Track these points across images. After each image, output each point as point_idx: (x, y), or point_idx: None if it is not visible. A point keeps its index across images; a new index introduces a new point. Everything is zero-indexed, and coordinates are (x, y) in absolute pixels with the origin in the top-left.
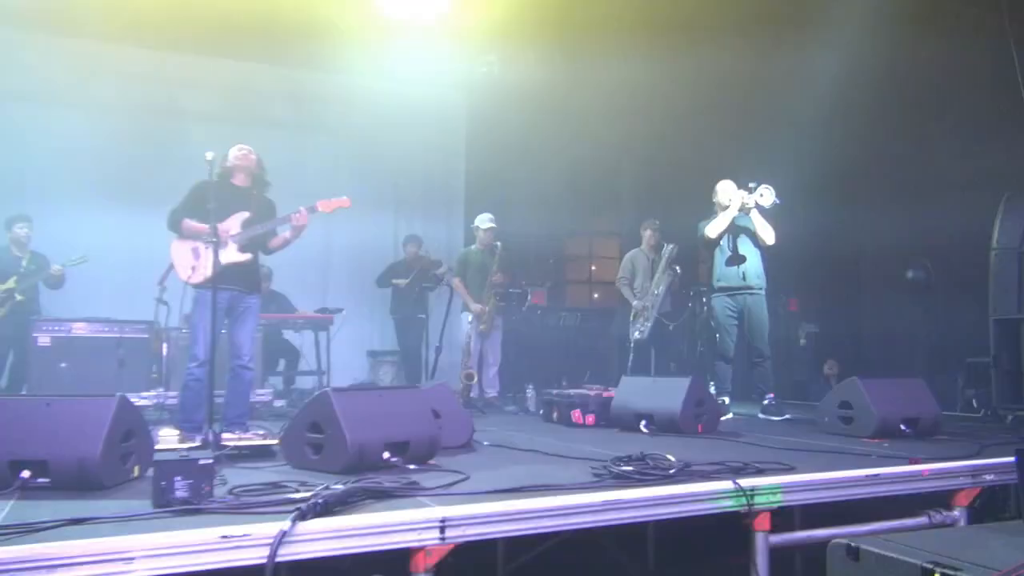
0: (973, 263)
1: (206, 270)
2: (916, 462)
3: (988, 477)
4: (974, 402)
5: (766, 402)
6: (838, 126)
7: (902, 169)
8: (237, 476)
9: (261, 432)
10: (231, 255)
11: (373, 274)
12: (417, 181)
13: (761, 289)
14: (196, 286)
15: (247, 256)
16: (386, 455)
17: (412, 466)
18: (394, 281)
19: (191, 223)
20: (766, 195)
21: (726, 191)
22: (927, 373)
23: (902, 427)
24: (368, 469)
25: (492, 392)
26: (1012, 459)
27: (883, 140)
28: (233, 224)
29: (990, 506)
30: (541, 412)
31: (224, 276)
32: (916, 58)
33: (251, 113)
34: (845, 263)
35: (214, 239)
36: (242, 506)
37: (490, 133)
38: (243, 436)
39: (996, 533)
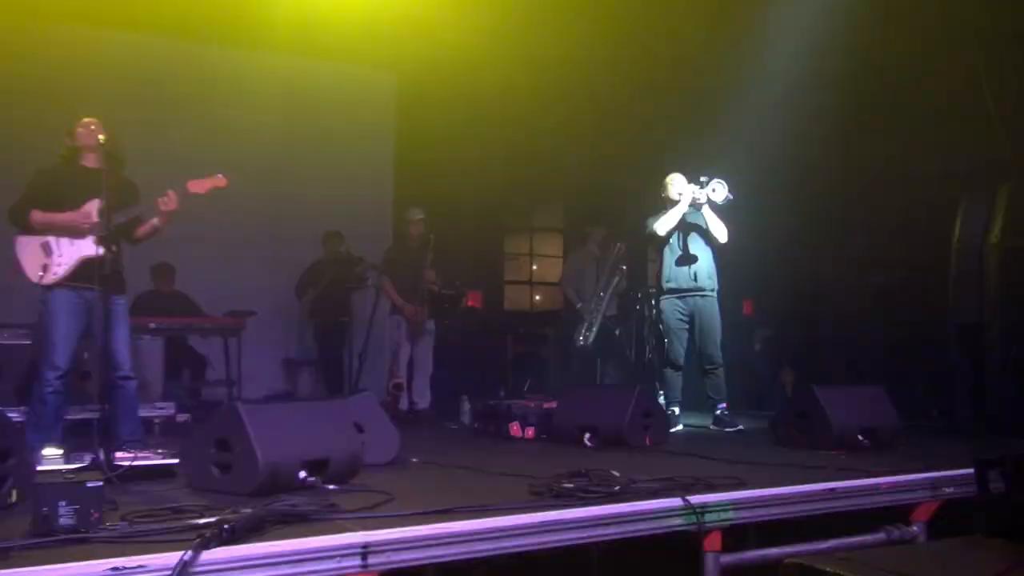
0: (936, 264)
1: (60, 268)
2: (874, 474)
3: (948, 490)
4: (934, 411)
5: (718, 412)
6: (797, 121)
7: (863, 166)
8: (132, 500)
9: (160, 451)
10: (88, 248)
11: (290, 272)
12: (340, 170)
13: (713, 291)
14: (50, 286)
15: (107, 249)
16: (302, 475)
17: (332, 486)
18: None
19: (44, 215)
20: (719, 190)
21: (676, 185)
22: (888, 380)
23: (860, 438)
24: (282, 491)
25: (423, 404)
26: (972, 471)
27: (843, 136)
28: (88, 212)
29: (950, 520)
30: (476, 425)
31: (82, 274)
32: (878, 51)
33: (148, 91)
34: (803, 264)
35: (90, 227)
36: (136, 534)
37: (423, 118)
38: (139, 455)
39: (956, 549)
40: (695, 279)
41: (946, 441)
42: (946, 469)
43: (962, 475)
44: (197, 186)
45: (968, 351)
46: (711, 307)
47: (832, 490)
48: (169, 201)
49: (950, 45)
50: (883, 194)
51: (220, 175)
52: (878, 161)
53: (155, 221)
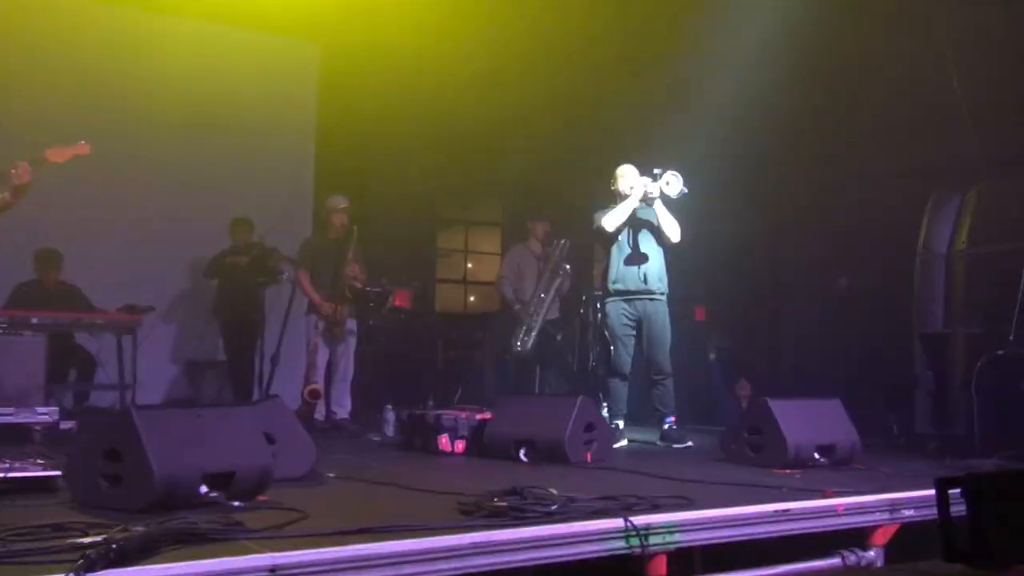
0: (901, 270)
1: None
2: (830, 495)
3: (907, 512)
4: (895, 427)
5: (666, 427)
6: (756, 114)
7: (827, 164)
8: (5, 517)
9: (39, 461)
10: None
11: (194, 262)
12: (254, 151)
13: (663, 294)
14: None
15: None
16: (204, 489)
17: (237, 503)
18: (229, 260)
19: None
20: (673, 184)
21: (627, 177)
22: (848, 393)
23: (816, 456)
24: (180, 507)
25: (342, 413)
26: (932, 492)
27: (807, 131)
28: None
29: (909, 544)
30: (401, 438)
31: None
32: (840, 42)
33: (29, 53)
34: (761, 267)
35: None
36: (11, 554)
37: (348, 96)
38: (14, 466)
39: (915, 575)
40: (645, 280)
41: (907, 460)
42: (906, 490)
43: (922, 497)
44: (56, 155)
45: (932, 363)
46: (661, 311)
47: (786, 511)
48: (21, 173)
49: (918, 36)
50: (846, 194)
51: (83, 142)
52: (841, 158)
53: (6, 195)
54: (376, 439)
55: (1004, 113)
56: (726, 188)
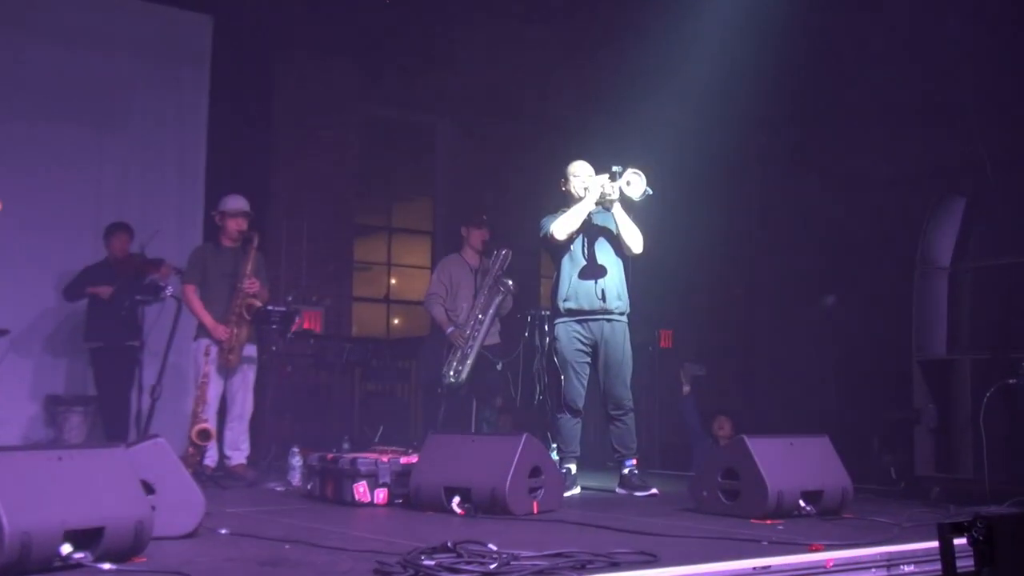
0: (897, 287)
1: None
2: (817, 549)
3: (906, 568)
4: (892, 470)
5: (627, 471)
6: (732, 106)
7: (811, 165)
8: None
9: None
10: None
11: (58, 277)
12: (133, 143)
13: (623, 314)
14: None
15: None
16: (66, 549)
17: (108, 565)
18: (91, 290)
19: None
20: (635, 184)
21: (581, 176)
22: (838, 429)
23: (802, 503)
24: (37, 570)
25: (238, 457)
26: (935, 543)
27: (787, 127)
28: None
29: None
30: (310, 487)
31: None
32: (830, 27)
33: None
34: (738, 283)
35: None
36: None
37: (248, 80)
38: None
39: None
40: (602, 298)
41: (905, 507)
42: (905, 542)
43: (923, 550)
44: None
45: (934, 394)
46: (620, 335)
47: (766, 568)
48: None
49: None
50: (835, 201)
51: None
52: (829, 160)
53: None
54: (279, 489)
55: (1014, 108)
56: (695, 190)
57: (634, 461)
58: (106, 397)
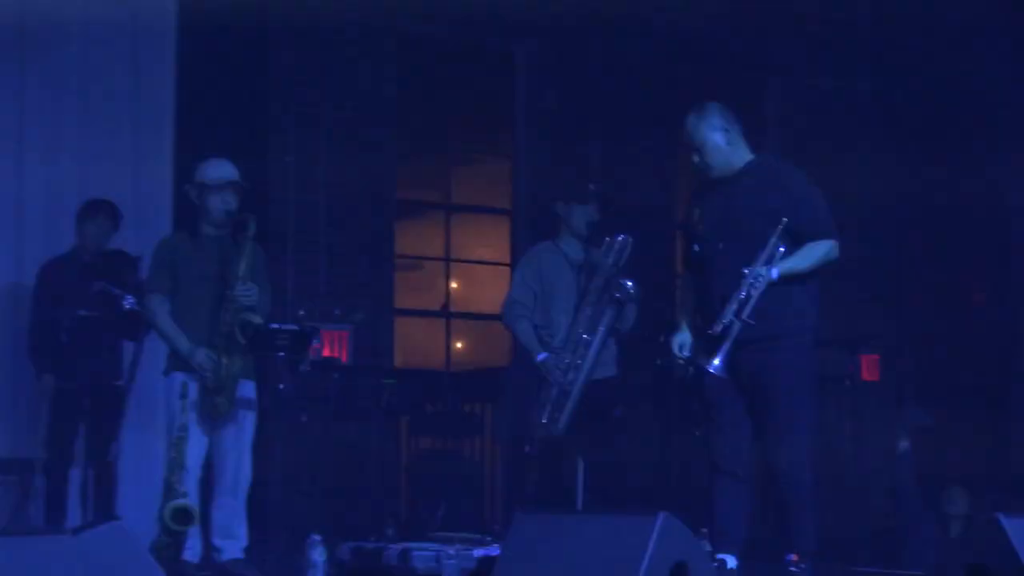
0: None
1: None
2: None
3: None
4: None
5: (794, 570)
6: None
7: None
8: None
9: None
10: None
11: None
12: (95, 117)
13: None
14: None
15: None
16: None
17: None
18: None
19: None
20: None
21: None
22: None
23: None
24: None
25: (231, 549)
26: None
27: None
28: None
29: None
30: None
31: None
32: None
33: None
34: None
35: None
36: None
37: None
38: None
39: None
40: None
41: None
42: None
43: None
44: None
45: None
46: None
47: None
48: None
49: None
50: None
51: None
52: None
53: None
54: None
55: None
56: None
57: (794, 556)
58: (50, 458)
